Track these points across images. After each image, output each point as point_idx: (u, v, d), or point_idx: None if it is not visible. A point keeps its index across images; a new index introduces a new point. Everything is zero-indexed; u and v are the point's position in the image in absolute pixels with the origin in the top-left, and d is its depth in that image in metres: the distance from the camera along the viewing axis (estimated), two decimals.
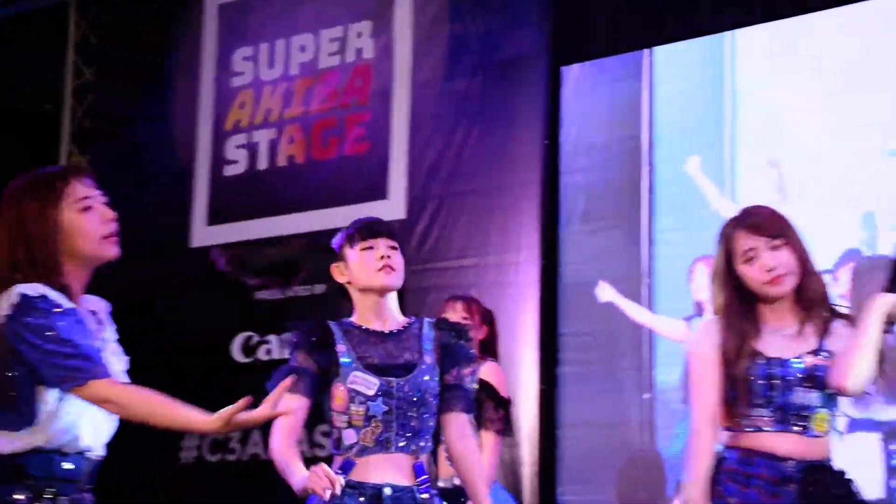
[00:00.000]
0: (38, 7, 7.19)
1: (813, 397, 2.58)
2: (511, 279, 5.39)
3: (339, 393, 2.63)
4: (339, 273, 2.74)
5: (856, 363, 2.54)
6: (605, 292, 5.09)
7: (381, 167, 5.87)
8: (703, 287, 4.53)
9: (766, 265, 2.60)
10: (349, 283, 2.73)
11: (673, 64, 5.16)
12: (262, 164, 6.27)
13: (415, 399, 2.62)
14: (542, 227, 5.40)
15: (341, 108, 6.09)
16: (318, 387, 2.67)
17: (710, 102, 5.00)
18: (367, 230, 2.73)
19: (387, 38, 6.02)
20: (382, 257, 2.68)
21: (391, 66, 5.97)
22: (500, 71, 5.66)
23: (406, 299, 5.52)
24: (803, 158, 4.75)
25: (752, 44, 4.97)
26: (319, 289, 5.89)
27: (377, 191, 5.82)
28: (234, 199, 6.30)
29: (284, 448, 2.63)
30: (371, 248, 2.70)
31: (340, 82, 6.14)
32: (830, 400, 2.61)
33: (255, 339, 6.08)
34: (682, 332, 4.79)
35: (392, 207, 5.75)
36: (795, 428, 2.58)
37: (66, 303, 2.22)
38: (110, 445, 2.34)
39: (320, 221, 5.91)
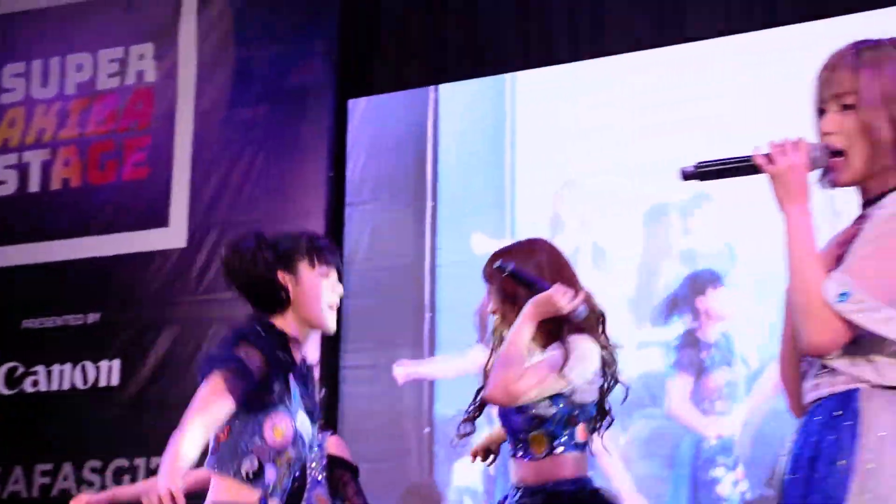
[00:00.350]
0: None
1: (521, 420, 2.64)
2: None
3: (282, 428, 2.33)
4: (285, 284, 2.44)
5: (495, 372, 2.61)
6: (402, 372, 5.02)
7: (162, 194, 5.71)
8: None
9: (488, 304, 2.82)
10: (288, 298, 2.43)
11: (457, 101, 5.28)
12: (34, 186, 5.98)
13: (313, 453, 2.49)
14: None
15: (120, 132, 5.90)
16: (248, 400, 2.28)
17: (492, 139, 5.13)
18: (330, 255, 2.52)
19: (170, 61, 5.89)
20: (335, 294, 2.49)
21: (174, 90, 5.84)
22: (286, 100, 5.63)
23: (187, 331, 5.44)
24: (582, 195, 4.94)
25: (531, 85, 5.14)
26: (93, 317, 5.67)
27: (158, 218, 5.66)
28: (1, 222, 5.99)
29: (188, 452, 2.21)
30: (327, 276, 2.49)
31: (120, 105, 5.95)
32: (545, 421, 2.63)
33: (21, 369, 5.77)
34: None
35: (173, 235, 5.61)
36: (520, 453, 2.67)
37: None
38: None
39: (97, 248, 5.70)
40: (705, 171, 1.90)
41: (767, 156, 1.84)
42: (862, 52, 1.87)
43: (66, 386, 5.64)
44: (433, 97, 5.29)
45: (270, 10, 5.75)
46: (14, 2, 6.17)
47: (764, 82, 4.65)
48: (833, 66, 1.88)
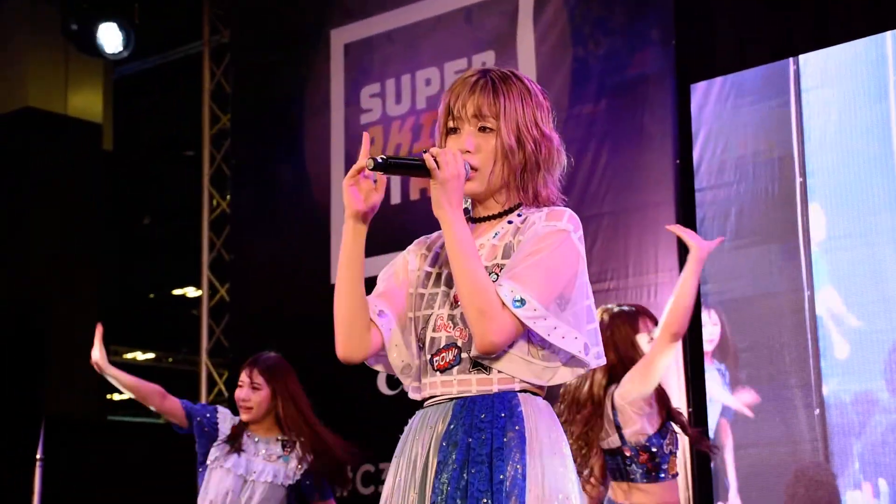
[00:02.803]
0: (178, 57, 7.46)
1: None
2: (651, 301, 5.33)
3: None
4: None
5: None
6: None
7: None
8: None
9: None
10: None
11: (819, 71, 4.98)
12: (396, 198, 6.32)
13: None
14: (679, 247, 5.33)
15: None
16: None
17: (872, 105, 4.77)
18: None
19: (511, 67, 6.02)
20: None
21: None
22: (626, 92, 5.62)
23: None
24: None
25: None
26: None
27: None
28: (370, 235, 6.34)
29: None
30: None
31: None
32: None
33: None
34: None
35: None
36: None
37: None
38: None
39: None
40: (388, 165, 2.05)
41: (437, 162, 2.02)
42: (497, 81, 2.13)
43: None
44: (793, 69, 5.05)
45: (604, 4, 5.76)
46: (366, 28, 6.55)
47: None
48: (472, 90, 2.11)
